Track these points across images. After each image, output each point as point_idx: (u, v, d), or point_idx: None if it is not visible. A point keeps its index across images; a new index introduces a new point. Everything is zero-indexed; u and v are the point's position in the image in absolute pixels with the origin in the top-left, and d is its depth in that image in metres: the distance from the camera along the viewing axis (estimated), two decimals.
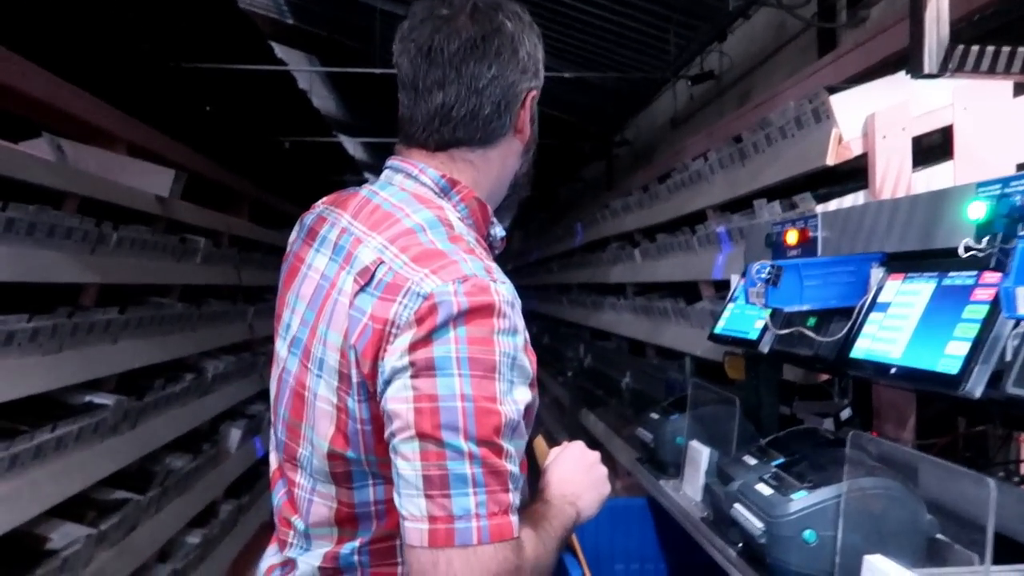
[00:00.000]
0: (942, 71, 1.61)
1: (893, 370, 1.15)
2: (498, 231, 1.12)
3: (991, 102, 2.09)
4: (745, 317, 1.79)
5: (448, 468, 0.86)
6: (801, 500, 1.11)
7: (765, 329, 1.66)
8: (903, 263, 1.27)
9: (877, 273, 1.32)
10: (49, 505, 2.16)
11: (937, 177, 2.12)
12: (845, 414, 1.73)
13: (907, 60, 1.71)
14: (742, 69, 5.84)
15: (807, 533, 1.10)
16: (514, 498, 0.89)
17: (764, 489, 1.20)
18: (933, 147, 2.16)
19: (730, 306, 1.90)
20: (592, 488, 1.10)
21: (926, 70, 1.61)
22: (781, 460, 1.31)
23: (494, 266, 0.97)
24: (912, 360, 1.12)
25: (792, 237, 1.62)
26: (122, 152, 3.26)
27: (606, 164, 8.06)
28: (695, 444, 1.67)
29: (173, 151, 3.69)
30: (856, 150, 2.12)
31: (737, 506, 1.24)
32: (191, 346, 3.55)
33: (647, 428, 1.93)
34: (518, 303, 0.94)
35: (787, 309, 1.37)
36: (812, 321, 1.46)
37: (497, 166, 1.10)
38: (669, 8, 5.79)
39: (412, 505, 0.87)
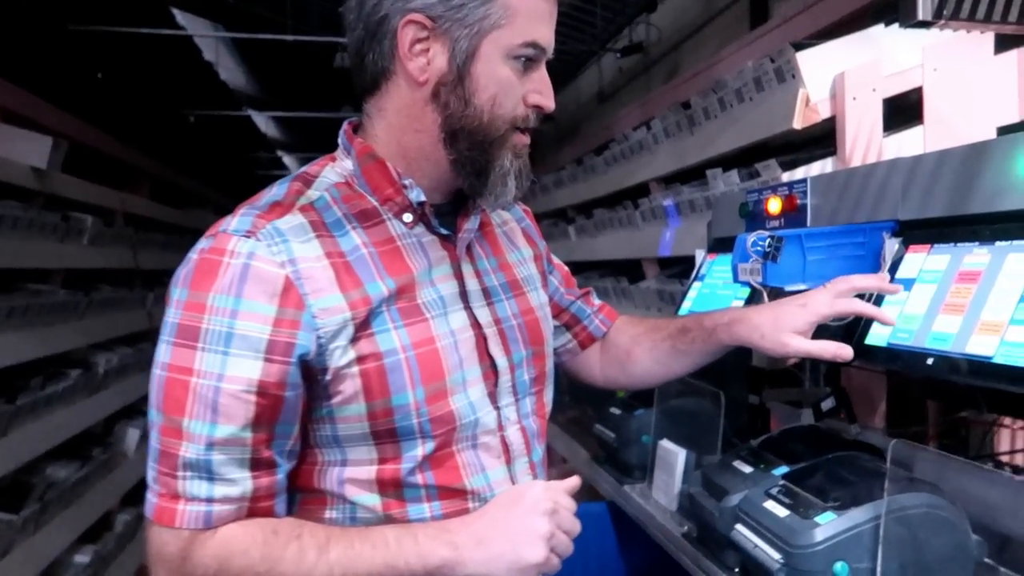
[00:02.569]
0: (937, 17, 1.42)
1: (931, 360, 0.95)
2: (415, 195, 0.96)
3: (965, 62, 1.94)
4: (716, 297, 1.58)
5: (150, 435, 0.86)
6: (830, 525, 0.90)
7: None
8: (925, 232, 1.08)
9: (891, 245, 1.13)
10: None
11: (908, 143, 1.97)
12: (827, 404, 1.54)
13: (895, 7, 1.52)
14: (671, 42, 5.69)
15: (839, 566, 0.89)
16: (196, 487, 0.83)
17: (776, 508, 0.99)
18: (902, 111, 2.00)
19: (696, 285, 1.69)
20: (504, 540, 0.86)
21: (920, 16, 1.42)
22: (785, 469, 1.10)
23: (290, 222, 0.89)
24: (960, 348, 0.92)
25: (775, 205, 1.42)
26: None
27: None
28: (667, 445, 1.46)
29: (57, 120, 3.25)
30: (824, 112, 1.93)
31: (741, 528, 1.03)
32: (78, 338, 3.15)
33: (607, 425, 1.71)
34: (278, 265, 0.85)
35: (788, 288, 1.16)
36: None
37: (395, 118, 0.95)
38: None
39: None
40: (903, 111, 2.00)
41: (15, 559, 2.31)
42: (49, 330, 2.86)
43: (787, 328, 1.03)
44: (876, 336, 1.06)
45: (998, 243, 0.94)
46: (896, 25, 2.00)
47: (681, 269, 2.78)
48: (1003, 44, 1.78)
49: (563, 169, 4.24)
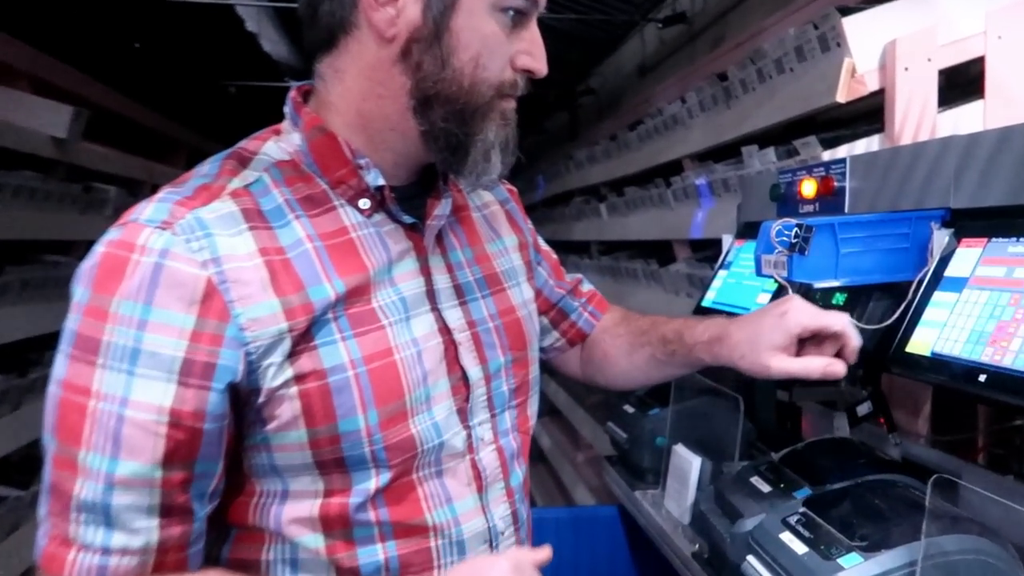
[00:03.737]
0: None
1: (984, 377, 0.80)
2: (372, 177, 0.80)
3: None
4: (742, 288, 1.44)
5: (44, 464, 0.73)
6: (855, 569, 0.77)
7: None
8: (982, 224, 0.92)
9: (941, 237, 0.97)
10: None
11: (965, 119, 1.78)
12: (863, 409, 1.39)
13: None
14: (716, 11, 5.45)
15: None
16: (91, 533, 0.69)
17: (794, 543, 0.85)
18: (960, 84, 1.81)
19: (722, 274, 1.54)
20: None
21: None
22: (808, 492, 0.97)
23: (217, 210, 0.74)
24: (1021, 365, 0.77)
25: (809, 188, 1.26)
26: (25, 89, 2.78)
27: (569, 115, 7.68)
28: (681, 451, 1.33)
29: (88, 89, 3.20)
30: (872, 85, 1.76)
31: (753, 561, 0.90)
32: None
33: (620, 424, 1.58)
34: (198, 265, 0.71)
35: (817, 284, 1.02)
36: (841, 298, 1.12)
37: (355, 81, 0.80)
38: None
39: None
40: (961, 84, 1.82)
41: (25, 535, 2.29)
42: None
43: (766, 346, 0.90)
44: (919, 344, 0.92)
45: None
46: None
47: (713, 252, 2.62)
48: None
49: (597, 144, 4.09)
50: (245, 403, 0.74)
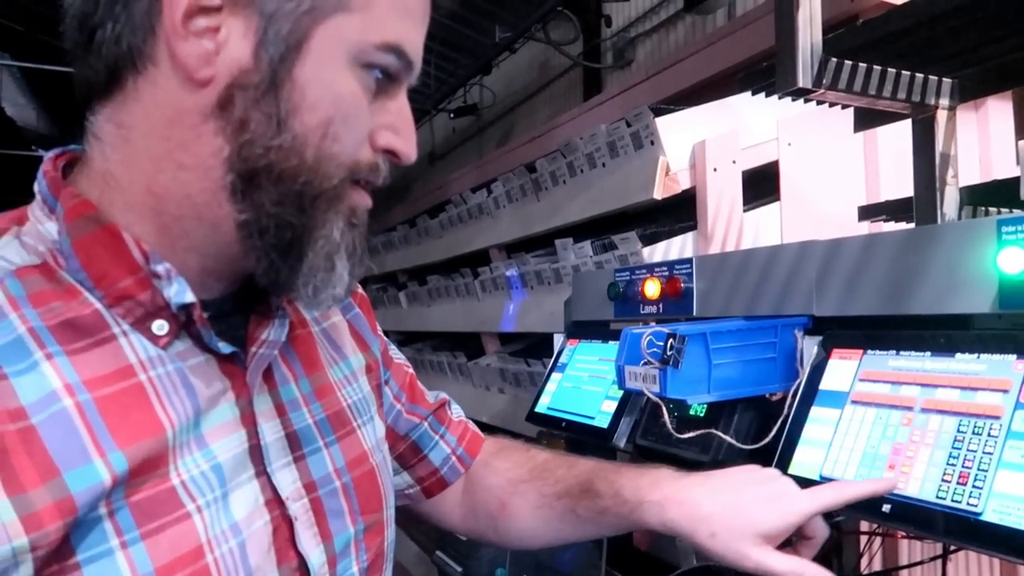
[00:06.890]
0: (817, 85, 1.30)
1: (888, 508, 0.73)
2: (175, 291, 0.56)
3: (820, 138, 1.88)
4: (583, 394, 1.33)
5: None
6: None
7: (619, 415, 1.21)
8: (853, 334, 0.88)
9: (808, 345, 0.92)
10: None
11: (766, 219, 1.87)
12: None
13: (770, 72, 1.39)
14: (505, 105, 5.66)
15: None
16: None
17: None
18: (760, 184, 1.90)
19: (556, 377, 1.43)
20: None
21: (800, 83, 1.29)
22: None
23: None
24: (927, 495, 0.71)
25: (653, 288, 1.20)
26: None
27: None
28: None
29: None
30: (685, 183, 1.79)
31: None
32: None
33: (451, 554, 1.39)
34: None
35: (690, 400, 0.92)
36: (700, 410, 1.04)
37: (145, 142, 0.55)
38: (430, 38, 5.47)
39: None
40: (761, 184, 1.91)
41: None
42: None
43: (752, 532, 0.71)
44: (803, 465, 0.84)
45: (959, 355, 0.75)
46: (748, 95, 1.93)
47: (525, 345, 2.56)
48: (864, 121, 1.72)
49: (394, 230, 3.96)
50: None
